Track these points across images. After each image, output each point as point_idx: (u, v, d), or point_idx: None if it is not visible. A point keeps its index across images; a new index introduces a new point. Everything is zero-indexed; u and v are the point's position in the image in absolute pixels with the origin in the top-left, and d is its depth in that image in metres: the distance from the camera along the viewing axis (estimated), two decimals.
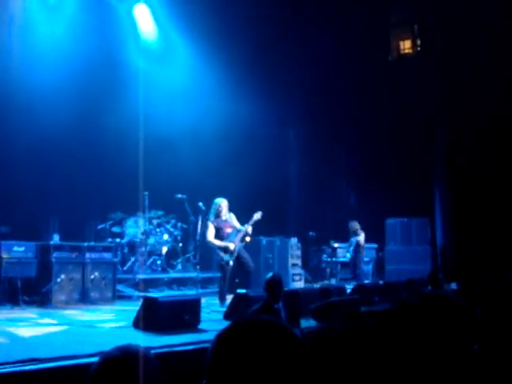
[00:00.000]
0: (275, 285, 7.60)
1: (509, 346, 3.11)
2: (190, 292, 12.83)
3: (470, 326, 3.75)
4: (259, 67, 17.92)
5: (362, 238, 15.87)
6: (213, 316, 9.64)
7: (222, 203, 11.30)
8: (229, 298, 10.38)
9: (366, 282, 15.82)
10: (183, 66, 17.35)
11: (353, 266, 15.89)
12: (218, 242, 11.05)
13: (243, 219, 11.71)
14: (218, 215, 11.23)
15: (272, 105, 18.05)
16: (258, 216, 11.29)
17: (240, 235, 11.20)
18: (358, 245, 15.79)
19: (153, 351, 2.12)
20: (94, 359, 5.91)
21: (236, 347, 1.65)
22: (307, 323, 8.49)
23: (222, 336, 1.72)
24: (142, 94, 15.22)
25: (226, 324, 6.09)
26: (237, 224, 11.37)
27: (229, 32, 17.12)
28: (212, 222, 11.18)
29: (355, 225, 16.08)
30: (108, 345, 6.45)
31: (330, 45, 18.86)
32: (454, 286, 12.37)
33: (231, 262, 11.02)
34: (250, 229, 11.29)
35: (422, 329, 3.27)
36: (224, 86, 16.85)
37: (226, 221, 11.28)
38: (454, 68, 17.12)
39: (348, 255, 16.03)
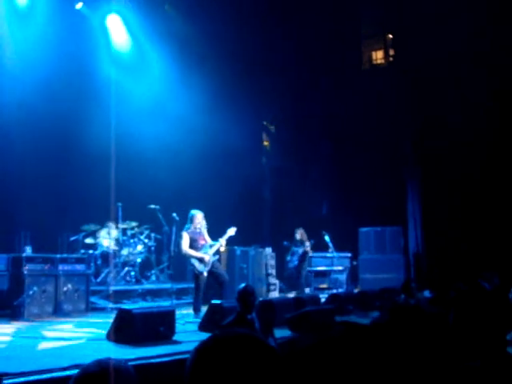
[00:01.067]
0: (248, 296, 7.59)
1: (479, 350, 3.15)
2: (164, 303, 12.77)
3: (442, 333, 3.79)
4: (233, 80, 18.00)
5: (309, 247, 15.96)
6: (187, 327, 9.60)
7: (198, 215, 11.34)
8: (203, 308, 10.38)
9: (341, 290, 15.89)
10: (156, 77, 17.35)
11: (296, 274, 15.83)
12: (193, 252, 11.05)
13: (217, 230, 11.73)
14: (193, 227, 11.26)
15: (246, 116, 18.11)
16: (232, 232, 11.46)
17: (214, 248, 11.25)
18: (304, 253, 15.92)
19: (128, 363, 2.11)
20: (69, 373, 5.86)
21: (213, 361, 1.66)
22: (282, 333, 8.49)
23: (199, 351, 1.72)
24: (115, 104, 15.14)
25: (200, 335, 6.08)
26: (208, 238, 11.42)
27: (203, 44, 17.18)
28: (187, 233, 11.18)
29: (302, 233, 16.15)
30: (83, 358, 6.41)
31: (302, 56, 19.01)
32: (427, 293, 12.48)
33: (205, 273, 11.02)
34: (223, 243, 11.37)
35: (394, 340, 3.30)
36: (197, 97, 16.86)
37: (200, 233, 11.32)
38: (425, 78, 17.32)
39: (291, 264, 15.95)
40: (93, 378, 1.94)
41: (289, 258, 16.19)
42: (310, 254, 16.15)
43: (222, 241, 11.33)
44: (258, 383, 1.64)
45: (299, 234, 15.93)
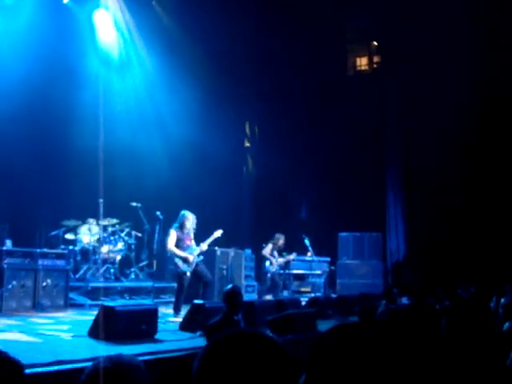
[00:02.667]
0: (235, 296, 7.60)
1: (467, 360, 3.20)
2: (143, 301, 12.73)
3: (424, 342, 3.85)
4: (217, 81, 18.02)
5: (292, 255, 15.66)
6: (168, 326, 9.58)
7: (189, 216, 11.32)
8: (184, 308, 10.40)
9: (318, 294, 15.93)
10: (141, 75, 17.32)
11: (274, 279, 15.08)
12: (178, 251, 11.03)
13: (198, 231, 11.74)
14: (182, 226, 11.23)
15: (229, 118, 18.16)
16: (218, 234, 11.58)
17: (198, 250, 11.26)
18: (288, 261, 15.66)
19: None
20: (52, 368, 5.81)
21: (223, 361, 1.65)
22: None
23: (210, 350, 1.71)
24: (101, 101, 15.07)
25: (182, 334, 6.07)
26: (193, 241, 11.43)
27: (189, 42, 17.19)
28: (176, 231, 11.16)
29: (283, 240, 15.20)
30: (64, 354, 6.37)
31: (287, 61, 19.08)
32: (405, 300, 12.59)
33: (188, 273, 11.01)
34: (205, 246, 11.41)
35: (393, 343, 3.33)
36: (181, 96, 16.85)
37: (188, 234, 11.31)
38: (410, 84, 17.49)
39: (274, 269, 14.98)
40: (106, 373, 1.95)
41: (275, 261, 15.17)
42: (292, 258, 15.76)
43: (204, 244, 11.39)
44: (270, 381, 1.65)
45: (283, 240, 15.11)
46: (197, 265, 11.16)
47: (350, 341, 1.76)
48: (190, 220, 11.32)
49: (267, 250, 14.82)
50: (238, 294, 7.66)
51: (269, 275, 14.69)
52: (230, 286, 7.96)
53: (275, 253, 14.98)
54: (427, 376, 3.21)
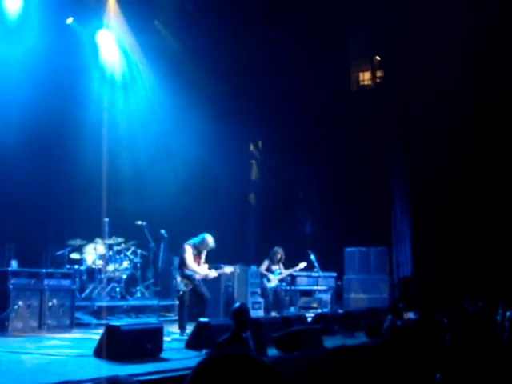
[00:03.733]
0: (243, 314, 7.58)
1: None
2: (149, 320, 12.71)
3: (432, 356, 3.84)
4: (221, 99, 18.10)
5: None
6: (174, 344, 9.56)
7: (210, 241, 11.31)
8: (189, 326, 10.39)
9: (325, 310, 15.88)
10: (146, 93, 17.39)
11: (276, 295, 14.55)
12: (197, 268, 11.08)
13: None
14: (198, 247, 11.24)
15: (233, 136, 18.22)
16: (228, 270, 12.08)
17: (203, 274, 11.29)
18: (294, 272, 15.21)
19: None
20: None
21: (212, 381, 1.66)
22: (270, 352, 8.49)
23: (198, 370, 1.71)
24: (105, 120, 15.15)
25: (188, 353, 6.08)
26: (202, 262, 11.47)
27: (191, 61, 17.28)
28: (191, 248, 11.15)
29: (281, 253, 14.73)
30: (70, 374, 6.39)
31: (290, 77, 19.15)
32: (412, 315, 12.54)
33: (181, 292, 11.00)
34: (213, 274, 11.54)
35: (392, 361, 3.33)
36: (185, 115, 16.92)
37: (199, 256, 11.30)
38: (412, 99, 17.55)
39: (273, 285, 14.39)
40: None
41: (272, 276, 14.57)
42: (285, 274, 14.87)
43: (213, 271, 11.48)
44: None
45: (280, 254, 14.59)
46: (196, 286, 11.17)
47: (345, 365, 1.76)
48: (210, 244, 11.32)
49: (264, 266, 14.44)
50: (245, 311, 7.63)
51: (269, 291, 14.50)
52: (237, 304, 7.94)
53: (275, 267, 14.50)
54: None
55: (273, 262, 14.43)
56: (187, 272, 11.06)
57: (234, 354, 1.72)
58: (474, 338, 3.41)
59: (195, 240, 11.31)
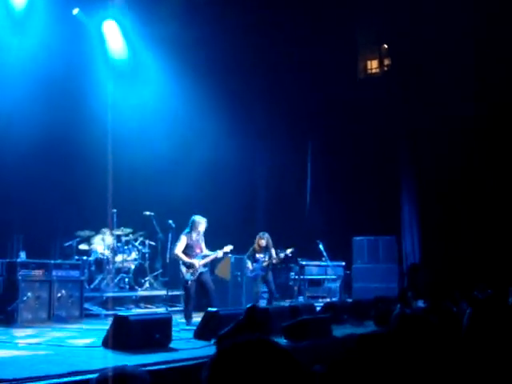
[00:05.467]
0: (257, 316, 7.57)
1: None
2: (158, 310, 12.73)
3: (442, 345, 3.80)
4: (228, 88, 18.02)
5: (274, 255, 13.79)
6: (183, 334, 9.55)
7: (201, 221, 11.32)
8: (198, 316, 10.39)
9: (334, 299, 15.86)
10: (152, 84, 17.33)
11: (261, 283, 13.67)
12: (183, 257, 11.07)
13: (211, 238, 11.77)
14: (192, 231, 11.25)
15: (241, 125, 18.17)
16: (228, 249, 11.63)
17: (206, 259, 11.28)
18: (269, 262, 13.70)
19: None
20: (66, 379, 5.81)
21: (232, 369, 1.65)
22: (279, 341, 8.47)
23: (216, 360, 1.70)
24: (111, 111, 15.13)
25: (196, 343, 6.03)
26: (204, 248, 11.45)
27: (198, 49, 17.20)
28: (186, 237, 11.18)
29: (268, 238, 13.74)
30: (79, 365, 6.38)
31: (297, 65, 19.06)
32: (421, 303, 12.49)
33: (189, 282, 11.01)
34: (220, 254, 11.45)
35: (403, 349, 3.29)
36: (192, 105, 16.89)
37: (197, 241, 11.31)
38: (420, 87, 17.44)
39: (251, 273, 13.62)
40: (110, 382, 1.94)
41: (251, 265, 13.70)
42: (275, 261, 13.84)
43: (220, 252, 11.42)
44: None
45: (265, 240, 13.61)
46: (201, 273, 11.17)
47: (367, 350, 1.74)
48: (202, 224, 11.32)
49: (247, 254, 13.62)
50: (259, 313, 7.61)
51: (252, 279, 13.73)
52: (256, 305, 7.93)
53: (259, 255, 13.51)
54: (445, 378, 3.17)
55: (256, 249, 13.64)
56: (187, 262, 11.10)
57: (254, 340, 1.71)
58: (491, 324, 3.37)
59: (187, 227, 11.34)
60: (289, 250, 13.73)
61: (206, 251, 11.42)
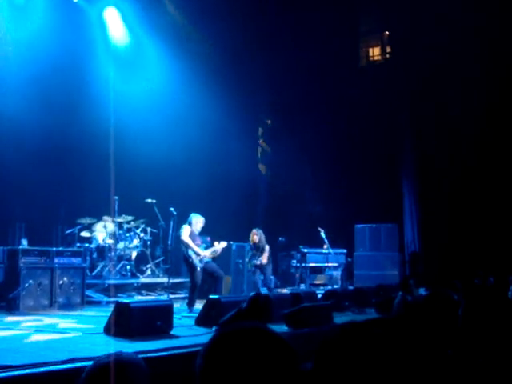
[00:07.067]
0: (262, 305, 7.57)
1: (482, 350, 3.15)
2: (160, 297, 12.74)
3: (443, 332, 3.79)
4: (231, 76, 17.98)
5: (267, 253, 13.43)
6: (184, 321, 9.58)
7: (198, 220, 11.37)
8: (199, 303, 10.42)
9: (336, 286, 15.89)
10: (154, 71, 17.28)
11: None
12: (192, 244, 11.10)
13: (213, 227, 11.80)
14: (192, 228, 11.32)
15: (243, 115, 18.16)
16: (223, 245, 11.73)
17: (209, 251, 11.32)
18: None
19: None
20: (67, 366, 5.81)
21: (226, 356, 1.64)
22: (279, 329, 8.47)
23: (211, 345, 1.69)
24: (112, 98, 15.09)
25: (198, 330, 6.02)
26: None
27: (200, 36, 17.15)
28: (189, 226, 11.25)
29: (261, 235, 13.50)
30: (80, 351, 6.38)
31: (299, 53, 19.00)
32: (422, 291, 12.50)
33: (199, 269, 11.05)
34: (219, 248, 11.61)
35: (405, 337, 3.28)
36: (194, 92, 16.83)
37: (197, 235, 11.37)
38: (422, 74, 17.37)
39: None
40: (105, 369, 1.94)
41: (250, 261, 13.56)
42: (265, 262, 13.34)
43: (219, 250, 11.45)
44: (272, 376, 1.62)
45: (258, 236, 13.34)
46: (206, 263, 11.21)
47: (355, 338, 1.73)
48: (199, 223, 11.40)
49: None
50: (265, 303, 7.60)
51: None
52: (259, 293, 7.93)
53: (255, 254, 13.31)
54: (443, 368, 3.16)
55: (251, 244, 13.50)
56: (195, 250, 11.12)
57: (248, 328, 1.70)
58: (487, 313, 3.36)
59: (186, 222, 11.44)
60: (264, 259, 13.30)
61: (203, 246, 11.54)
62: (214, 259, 11.66)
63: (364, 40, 20.90)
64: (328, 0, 18.19)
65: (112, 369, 1.92)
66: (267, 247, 13.49)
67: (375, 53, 20.81)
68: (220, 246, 11.66)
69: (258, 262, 13.28)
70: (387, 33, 20.38)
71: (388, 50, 20.41)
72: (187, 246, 11.14)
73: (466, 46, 16.16)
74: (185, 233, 11.18)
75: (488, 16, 15.82)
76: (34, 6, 14.74)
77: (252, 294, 8.14)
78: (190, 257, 11.14)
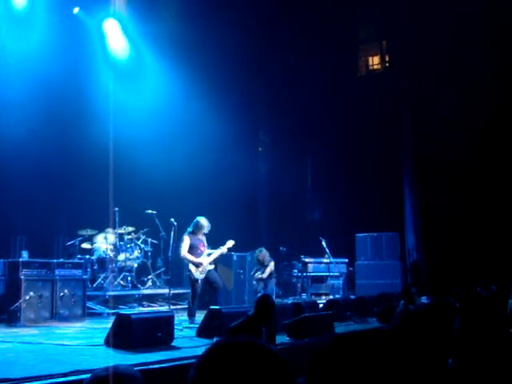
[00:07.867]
0: (268, 307, 7.52)
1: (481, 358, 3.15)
2: (160, 308, 12.72)
3: (445, 341, 3.78)
4: (230, 87, 18.04)
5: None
6: (185, 333, 9.55)
7: (204, 223, 11.26)
8: (199, 314, 10.39)
9: (337, 296, 15.85)
10: (154, 82, 17.31)
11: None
12: (191, 257, 11.00)
13: (214, 236, 11.73)
14: (195, 232, 11.20)
15: (243, 124, 18.19)
16: (230, 244, 11.48)
17: (212, 256, 11.22)
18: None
19: None
20: (69, 378, 5.79)
21: (218, 369, 1.64)
22: (280, 339, 8.45)
23: (204, 358, 1.70)
24: (112, 109, 15.12)
25: (199, 341, 6.02)
26: (205, 247, 11.40)
27: (200, 49, 17.21)
28: (189, 237, 11.12)
29: (265, 254, 13.63)
30: (81, 363, 6.37)
31: (299, 62, 19.05)
32: (424, 299, 12.47)
33: (199, 281, 10.98)
34: (225, 250, 11.38)
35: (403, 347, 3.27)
36: (194, 104, 16.87)
37: (201, 240, 11.26)
38: (421, 82, 17.40)
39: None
40: (102, 382, 1.93)
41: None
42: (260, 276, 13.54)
43: (224, 248, 11.36)
44: None
45: (261, 256, 13.55)
46: (209, 271, 11.13)
47: (348, 349, 1.72)
48: (205, 226, 11.28)
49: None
50: (271, 305, 7.57)
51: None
52: (264, 295, 7.90)
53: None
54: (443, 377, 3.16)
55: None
56: (195, 262, 11.04)
57: (241, 342, 1.69)
58: (484, 323, 3.36)
59: (190, 227, 11.29)
60: (265, 274, 13.49)
61: (207, 250, 11.38)
62: (216, 269, 11.57)
63: (363, 49, 20.96)
64: (326, 10, 18.22)
65: (109, 382, 1.92)
66: (272, 263, 13.61)
67: (375, 62, 20.86)
68: (226, 246, 11.51)
69: (260, 276, 13.43)
70: (386, 41, 20.44)
71: (387, 58, 20.46)
72: (187, 261, 11.10)
73: (465, 53, 16.20)
74: (183, 248, 11.06)
75: (487, 23, 15.87)
76: (33, 19, 14.76)
77: (257, 297, 8.09)
78: (189, 271, 11.09)
